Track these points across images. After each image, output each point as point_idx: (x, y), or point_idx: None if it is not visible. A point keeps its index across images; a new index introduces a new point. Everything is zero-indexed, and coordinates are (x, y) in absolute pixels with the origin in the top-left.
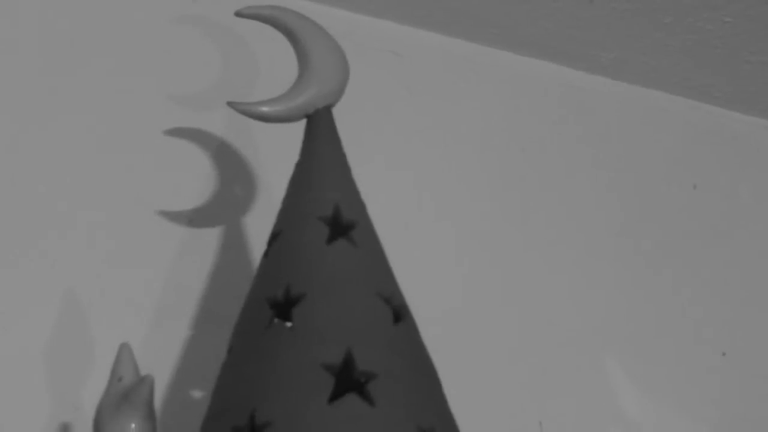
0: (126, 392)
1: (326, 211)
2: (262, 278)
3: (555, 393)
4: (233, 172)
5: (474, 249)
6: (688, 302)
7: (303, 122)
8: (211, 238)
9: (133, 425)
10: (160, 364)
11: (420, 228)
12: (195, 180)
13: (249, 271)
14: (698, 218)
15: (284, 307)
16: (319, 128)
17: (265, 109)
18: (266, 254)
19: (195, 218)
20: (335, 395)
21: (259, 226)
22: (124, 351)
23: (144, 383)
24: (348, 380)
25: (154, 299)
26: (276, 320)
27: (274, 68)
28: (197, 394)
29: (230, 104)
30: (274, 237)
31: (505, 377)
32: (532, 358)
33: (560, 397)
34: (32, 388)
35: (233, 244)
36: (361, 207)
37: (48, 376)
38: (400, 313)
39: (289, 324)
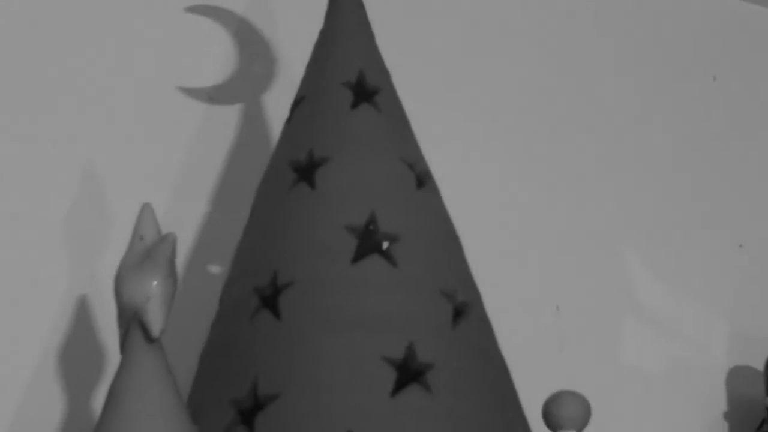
0: (148, 250)
1: (350, 77)
2: (285, 142)
3: (572, 279)
4: (253, 50)
5: (500, 137)
6: (706, 194)
7: None
8: (230, 115)
9: (155, 282)
10: (178, 240)
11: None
12: (215, 57)
13: (268, 147)
14: (717, 110)
15: (307, 170)
16: None
17: None
18: (289, 120)
19: (215, 95)
20: (358, 256)
21: (278, 103)
22: (146, 211)
23: (166, 241)
24: (370, 242)
25: (173, 175)
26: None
27: None
28: (215, 269)
29: None
30: (297, 103)
31: (525, 262)
32: (551, 245)
33: (577, 283)
34: (50, 259)
35: (252, 121)
36: (385, 73)
37: (66, 249)
38: (423, 179)
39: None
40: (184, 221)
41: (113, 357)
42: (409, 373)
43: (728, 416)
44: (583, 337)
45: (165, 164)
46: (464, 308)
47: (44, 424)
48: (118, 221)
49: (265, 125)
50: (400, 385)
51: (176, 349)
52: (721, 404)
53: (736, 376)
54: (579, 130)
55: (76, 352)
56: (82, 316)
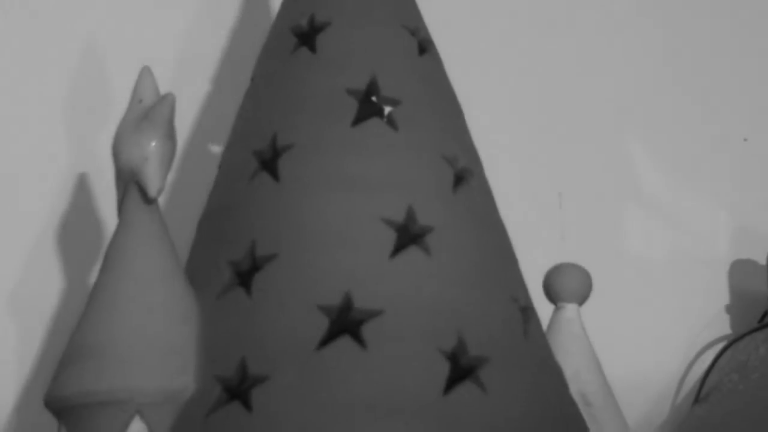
0: (146, 112)
1: None
2: (286, 9)
3: (575, 166)
4: None
5: (504, 21)
6: (712, 85)
7: None
8: None
9: (153, 143)
10: (178, 119)
11: None
12: None
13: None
14: None
15: (309, 35)
16: None
17: None
18: None
19: None
20: (358, 119)
21: None
22: (145, 74)
23: (165, 102)
24: (371, 106)
25: (172, 52)
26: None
27: None
28: (216, 148)
29: None
30: None
31: (527, 148)
32: (553, 130)
33: (581, 170)
34: (50, 138)
35: None
36: None
37: (66, 126)
38: (425, 46)
39: None
40: (184, 100)
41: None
42: (408, 235)
43: (730, 309)
44: (586, 226)
45: (165, 41)
46: (465, 174)
47: (43, 297)
48: (119, 97)
49: (267, 2)
50: (399, 247)
51: (177, 224)
52: (723, 297)
53: (739, 269)
54: (583, 15)
55: (76, 228)
56: (82, 193)
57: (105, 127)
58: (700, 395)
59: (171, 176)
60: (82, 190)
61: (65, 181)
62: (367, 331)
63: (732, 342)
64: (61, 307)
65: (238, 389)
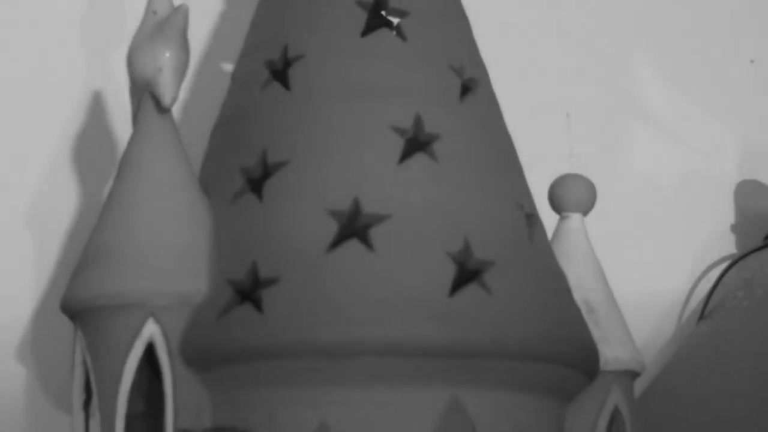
0: (160, 24)
1: None
2: None
3: (583, 85)
4: None
5: None
6: (720, 6)
7: None
8: None
9: (167, 54)
10: (192, 38)
11: None
12: None
13: None
14: None
15: None
16: None
17: None
18: None
19: None
20: (368, 30)
21: None
22: None
23: (178, 13)
24: (380, 18)
25: None
26: None
27: None
28: (228, 65)
29: None
30: None
31: (535, 67)
32: (559, 48)
33: (588, 89)
34: (66, 55)
35: None
36: None
37: (81, 42)
38: None
39: None
40: (199, 14)
41: None
42: (416, 142)
43: (735, 228)
44: (593, 144)
45: None
46: (472, 84)
47: (59, 211)
48: (134, 16)
49: None
50: (406, 154)
51: (190, 140)
52: (729, 216)
53: (745, 189)
54: None
55: (91, 144)
56: (97, 110)
57: (120, 43)
58: (705, 312)
59: (184, 93)
60: (97, 106)
61: (80, 98)
62: (375, 234)
63: (737, 260)
64: (77, 220)
65: (249, 291)
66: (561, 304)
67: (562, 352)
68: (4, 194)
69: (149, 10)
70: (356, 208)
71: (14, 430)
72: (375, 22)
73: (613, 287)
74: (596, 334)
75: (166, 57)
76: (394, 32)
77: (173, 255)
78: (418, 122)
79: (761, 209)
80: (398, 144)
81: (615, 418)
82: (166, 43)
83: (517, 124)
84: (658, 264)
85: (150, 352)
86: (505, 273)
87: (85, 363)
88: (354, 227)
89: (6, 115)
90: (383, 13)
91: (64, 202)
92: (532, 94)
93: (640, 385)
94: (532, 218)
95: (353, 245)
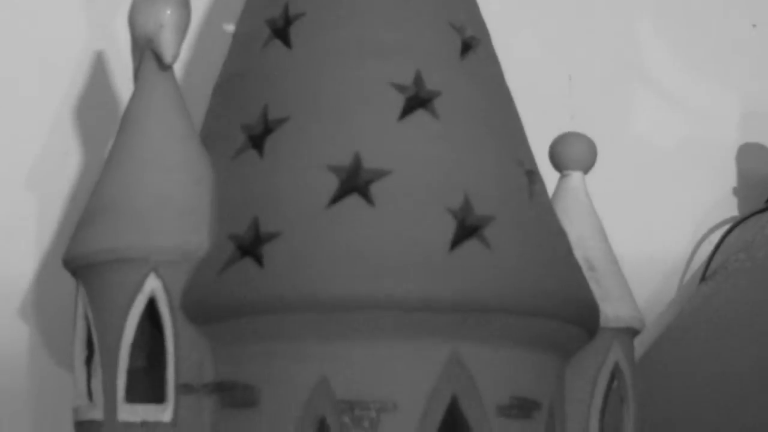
0: None
1: None
2: None
3: (585, 49)
4: None
5: None
6: None
7: None
8: None
9: (168, 11)
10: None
11: None
12: None
13: None
14: None
15: None
16: None
17: None
18: None
19: None
20: None
21: None
22: None
23: None
24: None
25: None
26: None
27: None
28: (230, 27)
29: None
30: None
31: (537, 29)
32: (562, 11)
33: (590, 53)
34: (67, 16)
35: None
36: None
37: (82, 3)
38: None
39: None
40: None
41: None
42: (416, 98)
43: (737, 191)
44: (595, 108)
45: None
46: (473, 43)
47: (61, 170)
48: None
49: None
50: (407, 110)
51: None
52: (730, 179)
53: (746, 152)
54: None
55: (93, 105)
56: (99, 71)
57: (120, 3)
58: (706, 274)
59: (185, 52)
60: (98, 67)
61: (81, 59)
62: (376, 189)
63: (739, 222)
64: (79, 180)
65: (251, 246)
66: (561, 261)
67: (562, 308)
68: (6, 152)
69: None
70: (357, 163)
71: (17, 387)
72: None
73: (615, 250)
74: (597, 291)
75: (168, 14)
76: None
77: (175, 210)
78: (418, 79)
79: (763, 172)
80: (399, 101)
81: (615, 374)
82: (167, 0)
83: (519, 87)
84: (661, 227)
85: (152, 307)
86: (505, 229)
87: (86, 318)
88: (355, 182)
89: (7, 72)
90: None
91: (67, 160)
92: (534, 56)
93: (641, 347)
94: (532, 175)
95: (354, 200)
